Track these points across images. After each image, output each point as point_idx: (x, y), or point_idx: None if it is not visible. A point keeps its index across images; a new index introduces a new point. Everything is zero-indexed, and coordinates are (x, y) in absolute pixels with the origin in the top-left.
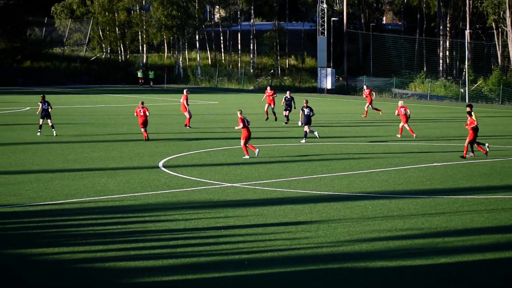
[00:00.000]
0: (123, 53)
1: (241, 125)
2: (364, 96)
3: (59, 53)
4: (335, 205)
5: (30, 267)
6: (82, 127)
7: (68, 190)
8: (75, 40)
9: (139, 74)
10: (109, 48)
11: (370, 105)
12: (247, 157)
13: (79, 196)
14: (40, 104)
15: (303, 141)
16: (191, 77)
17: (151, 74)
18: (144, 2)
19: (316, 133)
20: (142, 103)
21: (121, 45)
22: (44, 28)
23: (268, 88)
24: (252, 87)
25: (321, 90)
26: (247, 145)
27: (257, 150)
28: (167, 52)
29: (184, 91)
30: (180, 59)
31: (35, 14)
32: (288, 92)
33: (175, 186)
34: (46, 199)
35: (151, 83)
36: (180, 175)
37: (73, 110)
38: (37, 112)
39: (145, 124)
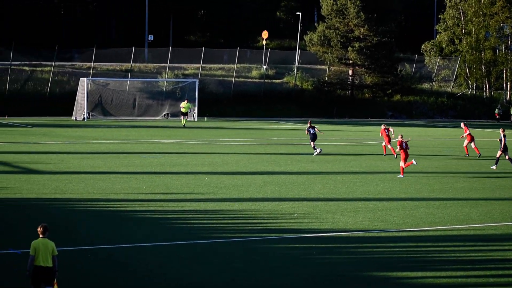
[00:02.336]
0: (487, 90)
1: (398, 147)
2: None
3: (428, 88)
4: None
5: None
6: (447, 159)
7: (432, 218)
8: (443, 77)
9: (496, 110)
10: (474, 85)
11: None
12: (401, 176)
13: (442, 224)
14: (308, 129)
15: None
16: None
17: None
18: (509, 41)
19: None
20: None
21: (486, 82)
22: (414, 65)
23: None
24: None
25: None
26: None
27: (414, 161)
28: None
29: None
30: None
31: (406, 51)
32: None
33: None
34: (411, 226)
35: None
36: None
37: (439, 143)
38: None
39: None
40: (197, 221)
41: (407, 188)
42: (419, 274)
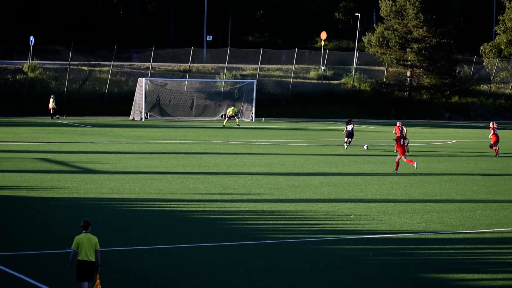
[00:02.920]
0: None
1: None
2: None
3: (486, 90)
4: None
5: None
6: (504, 161)
7: (489, 220)
8: (501, 78)
9: None
10: None
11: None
12: (395, 171)
13: (499, 226)
14: (346, 126)
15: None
16: None
17: None
18: None
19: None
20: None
21: None
22: (472, 66)
23: None
24: None
25: None
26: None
27: (415, 163)
28: None
29: None
30: None
31: (464, 52)
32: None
33: None
34: (468, 228)
35: None
36: None
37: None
38: (344, 132)
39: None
40: (253, 222)
41: (464, 190)
42: (476, 276)
